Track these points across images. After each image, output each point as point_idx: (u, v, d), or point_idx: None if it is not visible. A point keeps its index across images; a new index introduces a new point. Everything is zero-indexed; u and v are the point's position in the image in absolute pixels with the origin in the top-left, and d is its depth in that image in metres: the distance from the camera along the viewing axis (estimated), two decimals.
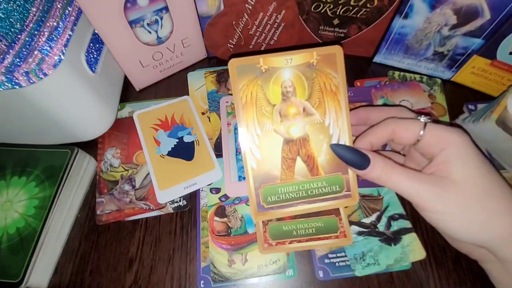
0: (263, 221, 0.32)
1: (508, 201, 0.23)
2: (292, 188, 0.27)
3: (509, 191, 0.23)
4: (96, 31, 0.36)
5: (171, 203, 0.35)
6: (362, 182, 0.36)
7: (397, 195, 0.35)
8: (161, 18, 0.38)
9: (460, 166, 0.23)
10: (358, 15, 0.41)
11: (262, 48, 0.45)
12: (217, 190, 0.36)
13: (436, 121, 0.26)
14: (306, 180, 0.27)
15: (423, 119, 0.25)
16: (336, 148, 0.25)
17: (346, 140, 0.26)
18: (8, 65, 0.28)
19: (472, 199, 0.22)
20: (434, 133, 0.24)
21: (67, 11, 0.33)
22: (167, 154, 0.38)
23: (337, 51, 0.26)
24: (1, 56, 0.28)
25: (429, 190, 0.23)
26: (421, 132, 0.24)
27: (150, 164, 0.37)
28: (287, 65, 0.26)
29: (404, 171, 0.24)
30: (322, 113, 0.26)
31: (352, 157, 0.25)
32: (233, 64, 0.25)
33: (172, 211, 0.35)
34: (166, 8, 0.37)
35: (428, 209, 0.23)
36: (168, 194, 0.35)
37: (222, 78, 0.44)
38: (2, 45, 0.31)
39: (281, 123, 0.26)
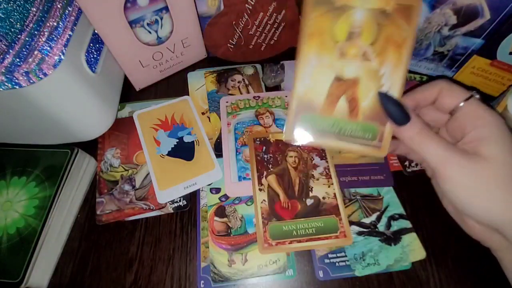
0: (263, 221, 0.32)
1: None
2: (328, 122, 0.26)
3: None
4: (96, 31, 0.36)
5: (171, 203, 0.35)
6: (362, 182, 0.36)
7: (397, 195, 0.35)
8: (161, 18, 0.38)
9: (493, 145, 0.22)
10: None
11: (262, 49, 0.45)
12: (217, 190, 0.36)
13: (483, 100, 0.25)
14: (344, 119, 0.26)
15: (473, 94, 0.25)
16: (383, 97, 0.25)
17: (395, 94, 0.26)
18: (8, 65, 0.28)
19: (498, 177, 0.22)
20: (474, 108, 0.24)
21: (67, 11, 0.33)
22: (167, 154, 0.38)
23: (416, 3, 0.25)
24: (1, 56, 0.28)
25: (456, 160, 0.23)
26: (462, 104, 0.24)
27: (150, 164, 0.37)
28: (361, 6, 0.25)
29: (438, 139, 0.24)
30: (381, 62, 0.26)
31: (394, 110, 0.24)
32: None
33: (172, 211, 0.35)
34: (166, 8, 0.37)
35: (450, 179, 0.23)
36: (168, 194, 0.35)
37: (222, 78, 0.44)
38: (2, 45, 0.31)
39: (338, 60, 0.26)
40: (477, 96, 0.24)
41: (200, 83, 0.44)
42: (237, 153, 0.38)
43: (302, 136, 0.27)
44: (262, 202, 0.34)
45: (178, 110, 0.41)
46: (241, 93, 0.43)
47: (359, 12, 0.25)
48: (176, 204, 0.35)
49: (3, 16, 0.32)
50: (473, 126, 0.24)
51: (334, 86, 0.26)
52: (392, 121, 0.25)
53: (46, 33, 0.30)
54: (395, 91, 0.25)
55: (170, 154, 0.38)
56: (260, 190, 0.34)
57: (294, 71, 0.27)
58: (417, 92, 0.26)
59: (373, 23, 0.25)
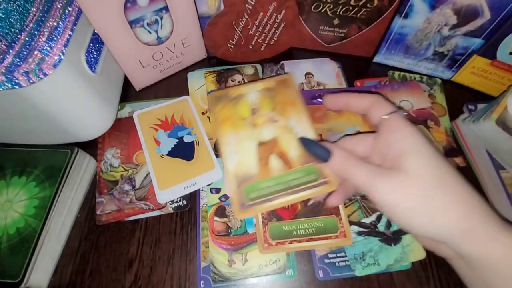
0: (263, 221, 0.32)
1: (461, 192, 0.22)
2: (271, 182, 0.28)
3: (462, 181, 0.22)
4: (96, 31, 0.36)
5: (171, 203, 0.35)
6: None
7: None
8: (161, 18, 0.38)
9: (412, 159, 0.23)
10: (358, 15, 0.41)
11: (262, 49, 0.45)
12: (217, 190, 0.36)
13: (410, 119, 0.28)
14: (283, 173, 0.29)
15: (398, 110, 0.26)
16: (303, 141, 0.28)
17: (311, 136, 0.30)
18: (8, 65, 0.28)
19: (422, 191, 0.22)
20: (395, 121, 0.25)
21: (67, 11, 0.33)
22: (167, 154, 0.38)
23: (289, 77, 0.34)
24: (1, 56, 0.28)
25: (383, 183, 0.23)
26: (385, 117, 0.25)
27: (150, 164, 0.37)
28: (253, 90, 0.33)
29: (362, 165, 0.24)
30: (286, 118, 0.31)
31: (315, 149, 0.27)
32: (212, 95, 0.33)
33: (172, 211, 0.35)
34: (166, 8, 0.37)
35: (381, 202, 0.23)
36: (168, 194, 0.35)
37: (222, 78, 0.44)
38: (2, 45, 0.31)
39: (253, 130, 0.31)
40: (403, 113, 0.26)
41: (200, 83, 0.44)
42: None
43: (254, 209, 0.28)
44: None
45: (178, 110, 0.41)
46: None
47: (253, 94, 0.33)
48: (176, 204, 0.35)
49: (3, 16, 0.32)
50: (394, 139, 0.24)
51: (260, 151, 0.30)
52: (317, 160, 0.27)
53: (46, 33, 0.30)
54: (309, 134, 0.30)
55: (170, 154, 0.38)
56: None
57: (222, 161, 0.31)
58: (352, 96, 0.28)
59: (266, 97, 0.32)
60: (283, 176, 0.29)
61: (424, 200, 0.22)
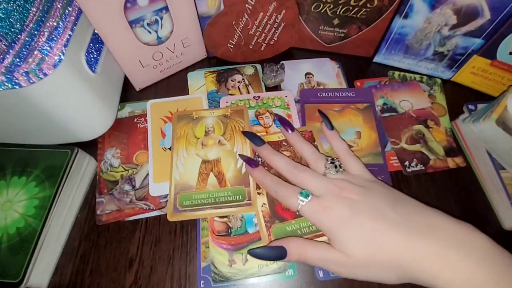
0: (266, 225, 0.32)
1: (387, 248, 0.25)
2: (203, 195, 0.33)
3: (380, 234, 0.25)
4: (96, 31, 0.36)
5: None
6: None
7: None
8: (161, 18, 0.38)
9: (333, 243, 0.27)
10: (358, 15, 0.41)
11: (262, 49, 0.45)
12: None
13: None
14: (216, 190, 0.34)
15: (300, 200, 0.28)
16: (254, 252, 0.28)
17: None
18: (8, 65, 0.28)
19: (357, 267, 0.26)
20: (303, 214, 0.28)
21: (67, 11, 0.33)
22: (170, 149, 0.38)
23: (244, 108, 0.40)
24: (1, 56, 0.28)
25: (335, 260, 0.26)
26: (297, 211, 0.29)
27: (151, 155, 0.37)
28: (210, 115, 0.39)
29: (314, 247, 0.27)
30: (232, 144, 0.37)
31: (271, 254, 0.28)
32: (176, 114, 0.39)
33: None
34: (166, 8, 0.37)
35: (340, 273, 0.26)
36: (161, 188, 0.35)
37: (222, 78, 0.44)
38: (2, 45, 0.31)
39: (202, 149, 0.36)
40: (305, 202, 0.28)
41: (200, 83, 0.44)
42: None
43: (184, 215, 0.33)
44: (262, 206, 0.34)
45: (190, 106, 0.41)
46: (241, 93, 0.43)
47: (210, 118, 0.38)
48: None
49: (3, 16, 0.32)
50: (314, 224, 0.29)
51: (203, 167, 0.35)
52: (277, 259, 0.28)
53: (46, 33, 0.30)
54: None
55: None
56: (259, 194, 0.34)
57: (171, 161, 0.36)
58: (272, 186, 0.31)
59: (220, 122, 0.38)
60: (216, 192, 0.34)
61: (362, 272, 0.26)
